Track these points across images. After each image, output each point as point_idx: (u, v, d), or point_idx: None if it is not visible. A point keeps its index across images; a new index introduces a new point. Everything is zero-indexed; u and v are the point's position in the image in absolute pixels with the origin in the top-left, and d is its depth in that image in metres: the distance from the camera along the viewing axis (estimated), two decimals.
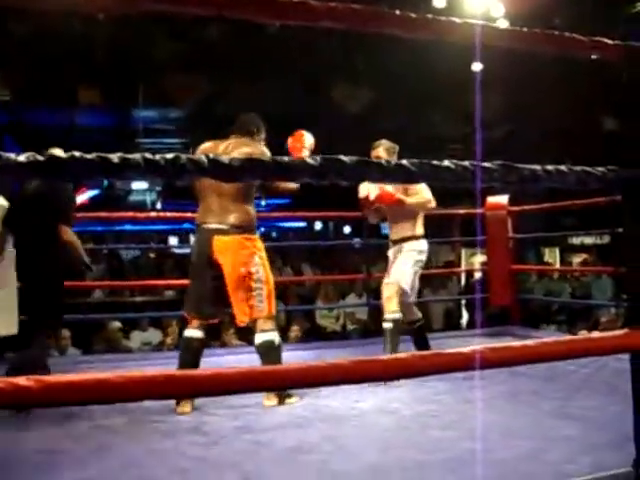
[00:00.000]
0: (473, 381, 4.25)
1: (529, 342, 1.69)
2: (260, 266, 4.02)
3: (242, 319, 4.06)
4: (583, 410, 3.65)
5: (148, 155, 1.33)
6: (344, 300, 9.00)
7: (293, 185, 4.29)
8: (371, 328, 8.22)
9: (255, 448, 3.20)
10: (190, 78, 11.73)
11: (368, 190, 4.65)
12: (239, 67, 11.48)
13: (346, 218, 11.73)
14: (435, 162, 1.47)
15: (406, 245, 4.90)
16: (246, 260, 3.99)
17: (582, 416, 3.54)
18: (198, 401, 3.96)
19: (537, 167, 1.63)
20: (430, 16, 1.75)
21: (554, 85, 10.79)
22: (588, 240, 15.55)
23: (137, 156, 1.34)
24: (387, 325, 4.75)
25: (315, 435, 3.38)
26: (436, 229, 7.80)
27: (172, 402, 3.85)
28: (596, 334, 1.77)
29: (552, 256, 16.00)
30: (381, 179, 1.44)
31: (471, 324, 8.99)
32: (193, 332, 4.14)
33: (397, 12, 1.68)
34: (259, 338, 4.03)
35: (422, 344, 4.99)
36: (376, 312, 8.34)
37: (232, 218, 4.02)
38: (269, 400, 4.00)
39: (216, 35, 11.12)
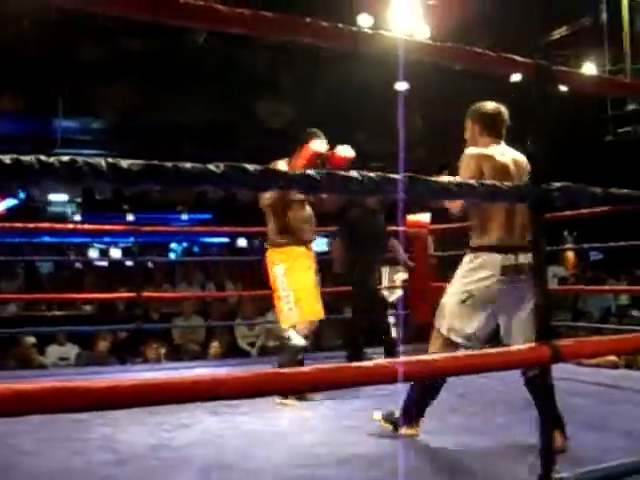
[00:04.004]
0: (390, 397, 4.27)
1: (436, 356, 1.68)
2: (282, 276, 4.41)
3: (282, 325, 4.49)
4: (496, 425, 3.70)
5: (42, 157, 1.27)
6: (264, 317, 8.93)
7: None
8: None
9: (168, 467, 3.12)
10: (113, 89, 11.52)
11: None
12: (163, 79, 11.34)
13: None
14: (342, 172, 1.45)
15: None
16: (269, 272, 4.48)
17: (493, 430, 3.58)
18: (112, 417, 3.83)
19: (447, 180, 1.63)
20: (341, 25, 1.73)
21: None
22: None
23: (31, 158, 1.27)
24: None
25: (231, 453, 3.32)
26: None
27: (80, 416, 3.71)
28: (506, 349, 1.78)
29: None
30: (287, 188, 1.40)
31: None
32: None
33: (308, 20, 1.66)
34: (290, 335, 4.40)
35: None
36: None
37: (268, 233, 4.55)
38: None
39: (140, 46, 10.95)
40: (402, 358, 1.80)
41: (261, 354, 8.47)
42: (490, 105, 3.44)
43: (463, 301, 3.18)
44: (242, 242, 17.11)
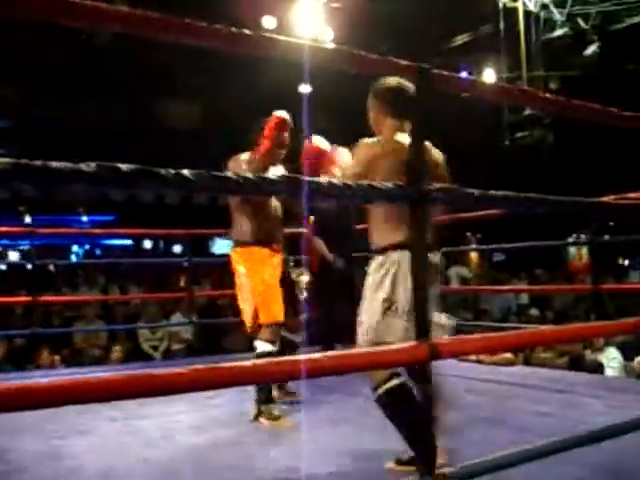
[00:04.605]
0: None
1: (317, 355, 1.70)
2: (243, 276, 4.21)
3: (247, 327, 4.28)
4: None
5: None
6: (168, 320, 8.81)
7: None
8: (196, 347, 8.12)
9: (62, 475, 3.05)
10: (10, 88, 11.15)
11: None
12: (64, 79, 11.05)
13: (176, 236, 11.55)
14: (217, 173, 1.45)
15: None
16: (234, 272, 4.29)
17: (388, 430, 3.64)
18: (3, 425, 3.71)
19: (320, 180, 1.65)
20: (234, 29, 1.71)
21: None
22: None
23: None
24: None
25: (127, 459, 3.27)
26: None
27: None
28: (386, 348, 1.81)
29: None
30: (159, 190, 1.38)
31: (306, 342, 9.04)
32: None
33: (203, 24, 1.64)
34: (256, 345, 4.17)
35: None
36: (201, 331, 8.30)
37: (232, 233, 4.35)
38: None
39: (40, 45, 10.63)
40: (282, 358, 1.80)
41: (165, 357, 8.38)
42: (395, 80, 3.04)
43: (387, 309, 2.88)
44: (148, 244, 16.87)
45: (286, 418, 3.99)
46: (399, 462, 2.98)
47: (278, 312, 4.16)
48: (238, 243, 4.28)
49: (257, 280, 4.16)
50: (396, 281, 2.73)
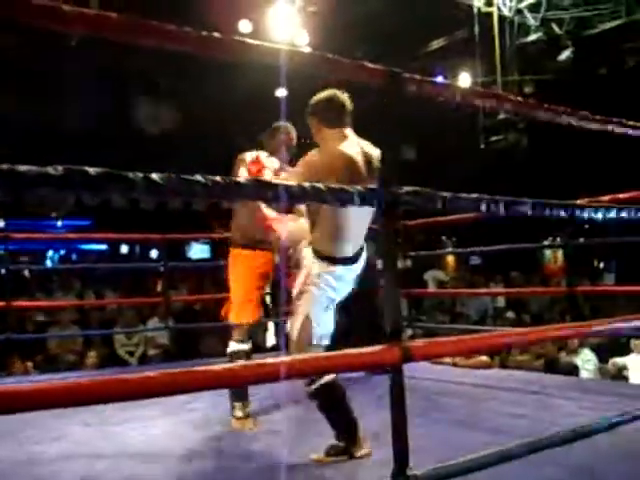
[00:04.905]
0: (265, 402, 4.29)
1: (289, 358, 1.70)
2: (232, 279, 4.25)
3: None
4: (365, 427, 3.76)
5: None
6: (145, 325, 8.76)
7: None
8: (173, 352, 8.08)
9: None
10: None
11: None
12: (38, 81, 10.95)
13: (152, 241, 11.48)
14: (186, 176, 1.44)
15: None
16: None
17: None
18: None
19: (292, 184, 1.65)
20: (205, 33, 1.71)
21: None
22: None
23: None
24: None
25: (102, 465, 3.24)
26: None
27: None
28: (358, 350, 1.82)
29: None
30: (127, 193, 1.37)
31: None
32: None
33: (175, 27, 1.63)
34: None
35: None
36: (178, 336, 8.25)
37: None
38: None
39: (13, 44, 10.52)
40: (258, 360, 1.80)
41: (142, 363, 8.33)
42: (324, 92, 3.24)
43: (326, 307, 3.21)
44: (124, 249, 16.76)
45: (252, 419, 4.01)
46: (327, 454, 3.18)
47: (249, 314, 4.21)
48: (232, 243, 4.32)
49: (238, 282, 4.23)
50: None
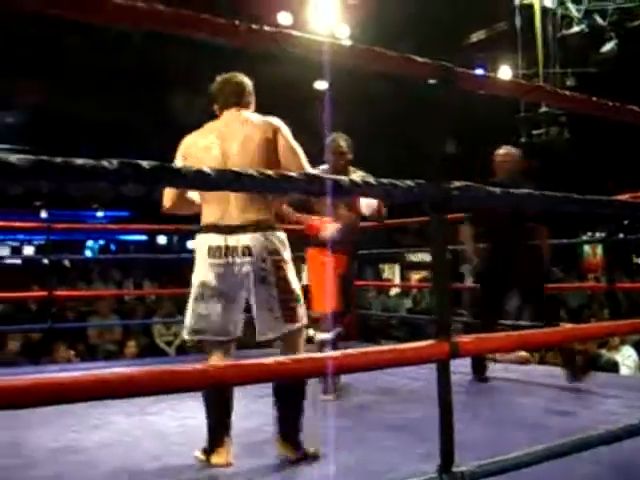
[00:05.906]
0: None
1: (337, 353, 1.69)
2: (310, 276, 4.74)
3: None
4: (408, 421, 3.75)
5: None
6: (183, 316, 8.83)
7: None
8: None
9: (76, 470, 3.05)
10: (25, 83, 11.17)
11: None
12: (80, 75, 11.08)
13: (190, 232, 11.52)
14: (238, 169, 1.44)
15: None
16: None
17: (405, 427, 3.63)
18: (18, 418, 3.72)
19: (343, 178, 1.64)
20: (238, 22, 1.70)
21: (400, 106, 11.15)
22: (427, 257, 16.15)
23: None
24: None
25: (140, 455, 3.27)
26: None
27: None
28: (406, 345, 1.81)
29: (391, 272, 16.41)
30: (181, 185, 1.37)
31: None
32: None
33: (221, 20, 1.62)
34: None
35: None
36: None
37: None
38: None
39: (55, 40, 10.65)
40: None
41: (180, 353, 8.40)
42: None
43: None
44: (162, 240, 16.86)
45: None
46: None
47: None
48: None
49: None
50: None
